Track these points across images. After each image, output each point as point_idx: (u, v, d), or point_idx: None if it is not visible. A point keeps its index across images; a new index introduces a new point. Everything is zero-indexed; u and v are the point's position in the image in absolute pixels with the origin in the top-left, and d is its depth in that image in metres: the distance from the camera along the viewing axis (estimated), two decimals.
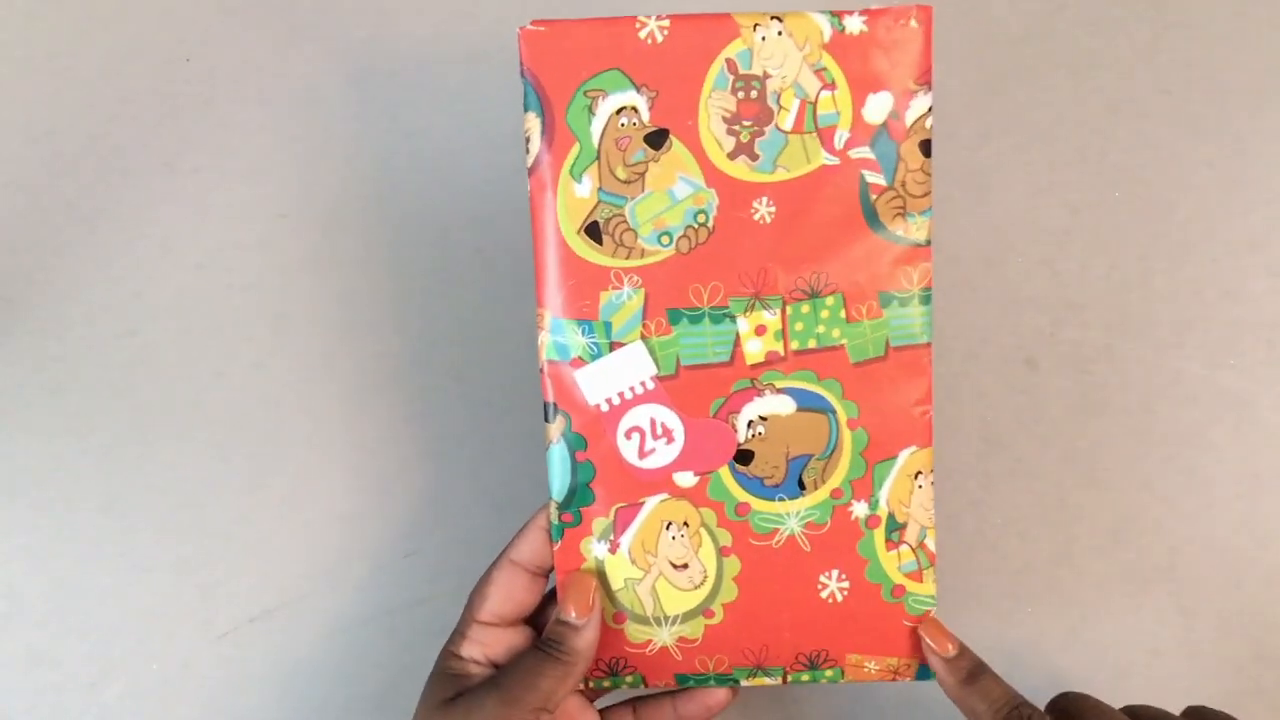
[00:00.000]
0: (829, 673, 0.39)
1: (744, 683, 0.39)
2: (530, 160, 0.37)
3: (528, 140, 0.37)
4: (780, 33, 0.36)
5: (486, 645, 0.37)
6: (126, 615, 0.47)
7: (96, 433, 0.48)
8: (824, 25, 0.36)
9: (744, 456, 0.37)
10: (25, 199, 0.49)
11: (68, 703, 0.46)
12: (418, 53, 0.50)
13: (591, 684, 0.39)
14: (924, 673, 0.39)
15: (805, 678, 0.39)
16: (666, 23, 0.36)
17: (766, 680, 0.39)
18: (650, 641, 0.38)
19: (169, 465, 0.48)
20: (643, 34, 0.36)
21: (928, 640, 0.37)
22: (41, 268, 0.48)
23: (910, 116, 0.36)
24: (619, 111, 0.36)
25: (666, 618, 0.38)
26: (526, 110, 0.36)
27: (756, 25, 0.36)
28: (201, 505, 0.47)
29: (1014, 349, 0.49)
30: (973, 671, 0.37)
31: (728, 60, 0.36)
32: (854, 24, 0.36)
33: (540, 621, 0.40)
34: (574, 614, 0.36)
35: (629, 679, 0.39)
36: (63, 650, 0.47)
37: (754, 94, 0.36)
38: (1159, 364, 0.49)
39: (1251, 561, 0.48)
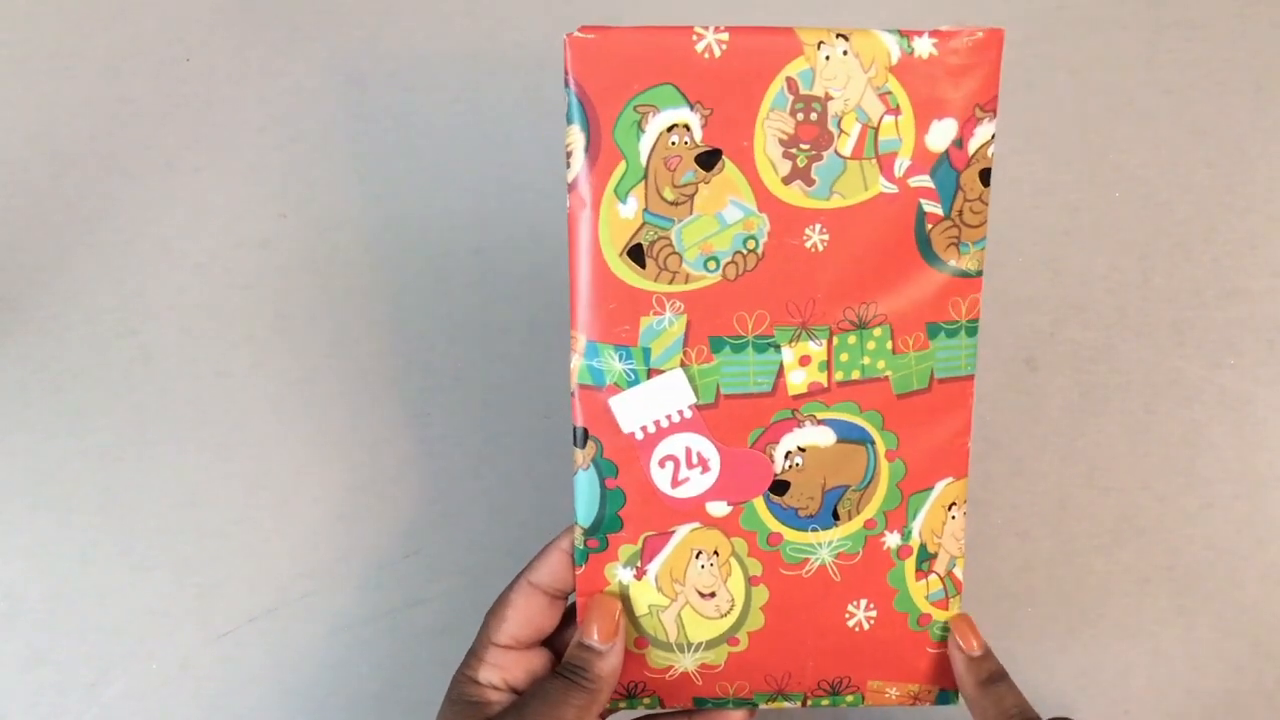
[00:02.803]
0: (849, 698, 0.38)
1: (763, 706, 0.38)
2: (571, 176, 0.35)
3: (569, 155, 0.34)
4: (845, 52, 0.34)
5: (505, 669, 0.37)
6: (126, 615, 0.47)
7: (96, 433, 0.48)
8: (892, 47, 0.34)
9: (780, 487, 0.37)
10: (25, 199, 0.49)
11: (68, 703, 0.46)
12: (418, 53, 0.50)
13: (608, 705, 0.38)
14: (944, 698, 0.39)
15: (825, 702, 0.38)
16: (725, 36, 0.34)
17: (786, 704, 0.38)
18: (671, 667, 0.38)
19: (169, 465, 0.48)
20: (699, 47, 0.34)
21: (956, 636, 0.37)
22: (41, 268, 0.48)
23: (974, 145, 0.35)
24: (670, 129, 0.34)
25: (690, 645, 0.37)
26: (570, 123, 0.34)
27: (821, 43, 0.34)
28: (201, 505, 0.47)
29: (1014, 349, 0.49)
30: (993, 675, 0.37)
31: (788, 79, 0.34)
32: (923, 46, 0.34)
33: (558, 644, 0.39)
34: (597, 638, 0.36)
35: (646, 701, 0.38)
36: (63, 650, 0.47)
37: (814, 116, 0.34)
38: (1159, 364, 0.49)
39: (1251, 561, 0.48)
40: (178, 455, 0.48)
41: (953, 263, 0.36)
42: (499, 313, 0.49)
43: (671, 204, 0.35)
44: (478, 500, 0.48)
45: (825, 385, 0.36)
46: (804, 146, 0.35)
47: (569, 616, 0.39)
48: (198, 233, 0.49)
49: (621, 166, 0.34)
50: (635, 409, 0.36)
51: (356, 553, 0.48)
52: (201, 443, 0.48)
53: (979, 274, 0.36)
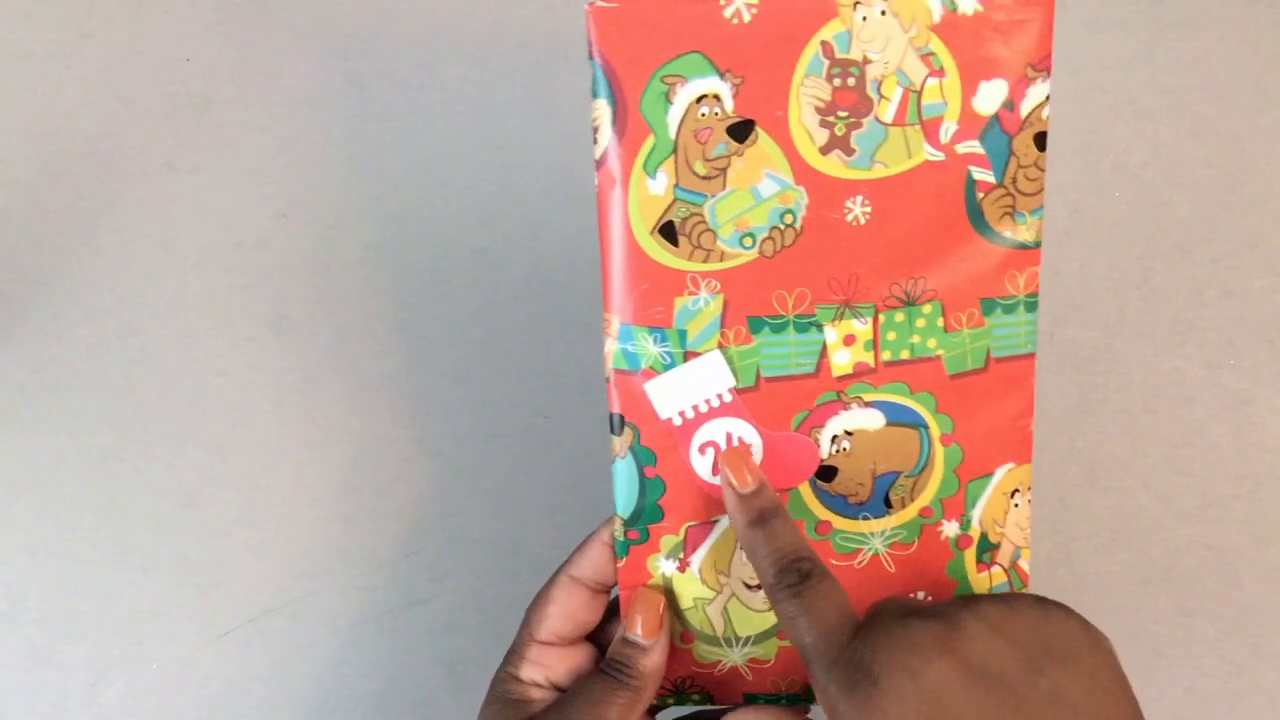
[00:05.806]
0: None
1: (817, 704, 0.37)
2: (598, 152, 0.33)
3: (596, 130, 0.33)
4: (884, 12, 0.32)
5: (547, 667, 0.35)
6: (126, 615, 0.47)
7: (96, 433, 0.48)
8: (934, 4, 0.32)
9: (826, 473, 0.35)
10: (25, 199, 0.49)
11: (68, 703, 0.46)
12: (418, 53, 0.50)
13: (655, 701, 0.37)
14: None
15: None
16: (755, 0, 0.32)
17: None
18: (720, 662, 0.36)
19: (169, 465, 0.48)
20: (728, 12, 0.32)
21: (727, 471, 0.33)
22: (41, 268, 0.48)
23: (1026, 106, 0.33)
24: (699, 100, 0.33)
25: (738, 639, 0.36)
26: (595, 97, 0.33)
27: (857, 4, 0.32)
28: (201, 505, 0.47)
29: None
30: (765, 513, 0.33)
31: (823, 43, 0.32)
32: (967, 3, 0.32)
33: (602, 639, 0.37)
34: (641, 633, 0.34)
35: (695, 698, 0.37)
36: (63, 650, 0.47)
37: (851, 81, 0.33)
38: (1159, 364, 0.49)
39: (1251, 561, 0.48)
40: (178, 455, 0.48)
41: (1008, 234, 0.34)
42: (499, 312, 0.49)
43: (703, 178, 0.33)
44: (478, 500, 0.48)
45: (872, 365, 0.34)
46: (842, 114, 0.33)
47: (613, 611, 0.38)
48: (197, 233, 0.49)
49: (650, 140, 0.33)
50: (672, 393, 0.34)
51: (356, 553, 0.48)
52: (201, 443, 0.48)
53: (1037, 245, 0.34)
